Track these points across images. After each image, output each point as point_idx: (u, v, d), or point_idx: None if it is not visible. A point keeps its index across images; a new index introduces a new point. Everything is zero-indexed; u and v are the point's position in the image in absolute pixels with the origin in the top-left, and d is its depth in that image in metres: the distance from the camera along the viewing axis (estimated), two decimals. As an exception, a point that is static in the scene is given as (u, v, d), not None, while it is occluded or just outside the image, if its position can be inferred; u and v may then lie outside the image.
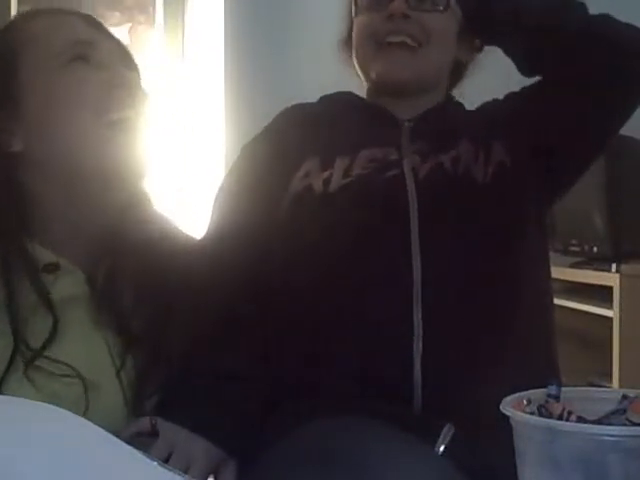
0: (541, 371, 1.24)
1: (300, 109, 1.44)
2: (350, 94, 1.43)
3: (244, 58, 2.60)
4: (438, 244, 1.24)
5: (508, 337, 1.24)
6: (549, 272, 1.37)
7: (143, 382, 1.13)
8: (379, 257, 1.24)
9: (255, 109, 2.48)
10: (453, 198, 1.28)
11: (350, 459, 1.04)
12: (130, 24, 2.98)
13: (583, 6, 1.34)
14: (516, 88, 1.40)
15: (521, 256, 1.29)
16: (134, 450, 0.78)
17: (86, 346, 1.13)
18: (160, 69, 2.93)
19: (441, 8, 1.35)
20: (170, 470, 0.80)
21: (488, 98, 1.44)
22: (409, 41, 1.34)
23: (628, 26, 1.31)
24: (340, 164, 1.30)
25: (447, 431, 1.15)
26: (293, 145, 1.36)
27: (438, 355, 1.19)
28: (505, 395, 0.92)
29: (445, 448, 1.14)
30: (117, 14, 2.98)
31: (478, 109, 1.45)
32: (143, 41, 2.96)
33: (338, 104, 1.43)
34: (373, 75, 1.38)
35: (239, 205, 1.35)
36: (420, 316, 1.20)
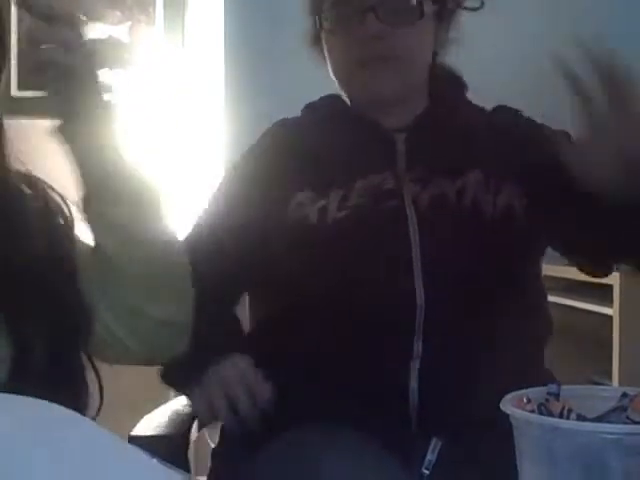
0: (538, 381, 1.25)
1: (285, 130, 1.40)
2: (336, 100, 1.38)
3: (244, 57, 2.60)
4: (441, 274, 1.24)
5: (505, 354, 1.26)
6: (544, 289, 1.40)
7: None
8: (381, 288, 1.25)
9: (255, 108, 2.48)
10: (457, 231, 1.26)
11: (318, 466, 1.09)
12: (130, 23, 2.98)
13: None
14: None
15: (521, 281, 1.31)
16: (134, 448, 0.78)
17: None
18: (160, 68, 2.94)
19: (416, 18, 1.29)
20: (170, 467, 0.80)
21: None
22: (389, 60, 1.29)
23: None
24: (335, 195, 1.28)
25: (435, 445, 1.18)
26: (283, 175, 1.32)
27: (435, 374, 1.22)
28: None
29: (431, 461, 1.20)
30: (117, 13, 2.99)
31: (494, 125, 1.36)
32: (143, 40, 2.96)
33: (325, 119, 1.38)
34: (357, 94, 1.34)
35: (229, 226, 1.34)
36: (420, 345, 1.22)
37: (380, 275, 1.24)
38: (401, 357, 1.22)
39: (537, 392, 0.93)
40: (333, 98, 1.40)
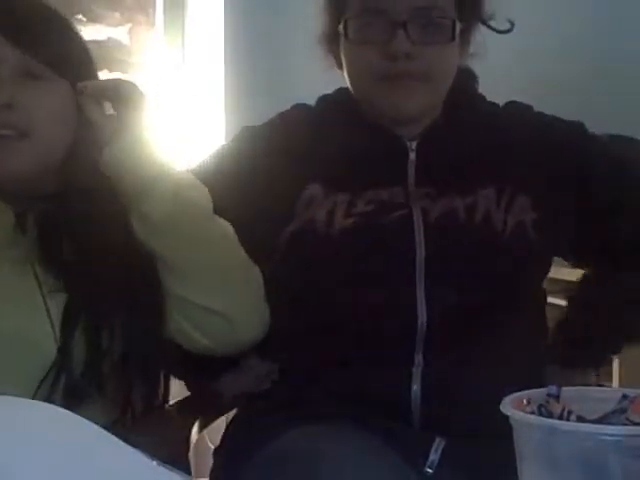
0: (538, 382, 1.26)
1: (302, 115, 1.39)
2: (348, 95, 1.35)
3: (244, 58, 2.60)
4: (445, 291, 1.24)
5: (506, 356, 1.26)
6: (545, 294, 1.39)
7: (71, 318, 1.13)
8: (383, 302, 1.25)
9: (255, 109, 2.48)
10: (464, 248, 1.25)
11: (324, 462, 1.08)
12: (130, 24, 2.98)
13: None
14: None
15: (526, 294, 1.32)
16: (133, 450, 0.78)
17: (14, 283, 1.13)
18: (160, 70, 2.94)
19: (447, 39, 1.25)
20: (170, 469, 0.80)
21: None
22: (416, 79, 1.25)
23: None
24: (343, 199, 1.27)
25: (438, 444, 1.19)
26: (295, 163, 1.31)
27: (437, 376, 1.23)
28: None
29: (434, 460, 1.21)
30: (117, 14, 2.98)
31: (507, 129, 1.34)
32: (143, 41, 2.96)
33: (338, 115, 1.35)
34: (377, 106, 1.30)
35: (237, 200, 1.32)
36: (421, 354, 1.23)
37: (382, 289, 1.24)
38: (403, 363, 1.23)
39: (537, 394, 0.93)
40: (349, 94, 1.35)
